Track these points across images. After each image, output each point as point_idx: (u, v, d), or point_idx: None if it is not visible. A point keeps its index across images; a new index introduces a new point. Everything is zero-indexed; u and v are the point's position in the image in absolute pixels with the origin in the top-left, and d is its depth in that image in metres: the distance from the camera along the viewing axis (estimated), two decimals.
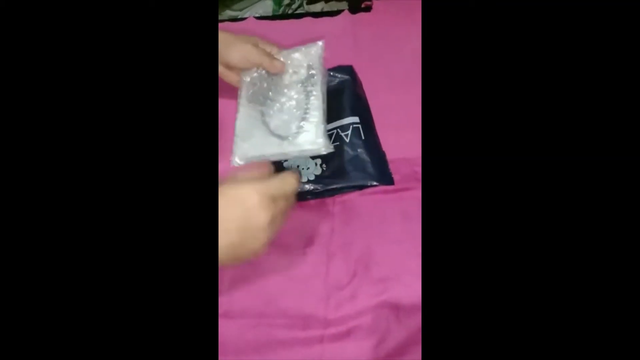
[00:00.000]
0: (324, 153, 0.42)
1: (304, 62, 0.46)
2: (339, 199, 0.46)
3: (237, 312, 0.40)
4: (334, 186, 0.45)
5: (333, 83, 0.51)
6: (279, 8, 0.70)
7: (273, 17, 0.62)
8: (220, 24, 0.49)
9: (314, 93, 0.44)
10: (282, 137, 0.42)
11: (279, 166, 0.48)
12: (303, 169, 0.47)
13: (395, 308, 0.39)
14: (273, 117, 0.44)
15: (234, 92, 0.47)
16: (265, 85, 0.45)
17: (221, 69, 0.46)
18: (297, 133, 0.42)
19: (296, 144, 0.42)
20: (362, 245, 0.42)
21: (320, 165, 0.46)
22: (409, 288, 0.39)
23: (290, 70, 0.45)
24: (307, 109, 0.43)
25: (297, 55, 0.46)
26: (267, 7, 0.69)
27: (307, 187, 0.46)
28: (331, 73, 0.51)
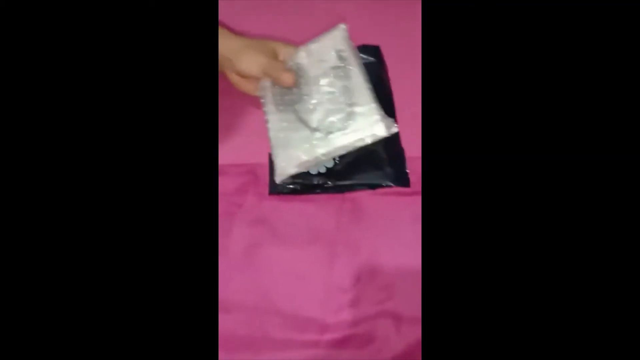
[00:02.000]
0: (388, 135, 0.38)
1: (330, 47, 0.41)
2: (349, 195, 0.42)
3: (232, 305, 0.38)
4: (346, 182, 0.42)
5: None
6: None
7: None
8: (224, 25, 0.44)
9: (352, 73, 0.39)
10: (329, 132, 0.39)
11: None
12: None
13: (397, 318, 0.38)
14: (313, 112, 0.40)
15: (250, 98, 0.43)
16: (290, 89, 0.41)
17: (235, 78, 0.42)
18: (349, 121, 0.38)
19: (351, 133, 0.38)
20: (369, 249, 0.40)
21: (333, 157, 0.43)
22: (414, 299, 0.37)
23: (315, 60, 0.40)
24: (351, 91, 0.39)
25: (317, 44, 0.42)
26: None
27: (317, 180, 0.42)
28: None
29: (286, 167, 0.40)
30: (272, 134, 0.41)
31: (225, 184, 0.42)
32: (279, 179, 0.41)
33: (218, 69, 0.42)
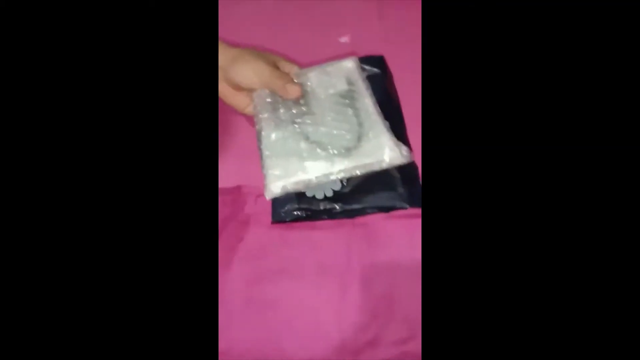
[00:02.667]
0: (400, 163, 0.35)
1: (340, 73, 0.39)
2: (359, 220, 0.38)
3: (235, 354, 0.34)
4: (356, 206, 0.38)
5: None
6: None
7: None
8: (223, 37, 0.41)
9: (362, 99, 0.38)
10: (334, 152, 0.36)
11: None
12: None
13: None
14: (320, 128, 0.37)
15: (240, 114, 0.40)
16: (294, 103, 0.38)
17: (225, 90, 0.38)
18: (359, 143, 0.36)
19: (359, 156, 0.35)
20: (385, 280, 0.36)
21: (340, 179, 0.39)
22: None
23: (323, 82, 0.38)
24: (361, 115, 0.37)
25: (328, 68, 0.40)
26: None
27: (323, 205, 0.38)
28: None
29: (280, 181, 0.36)
30: (265, 144, 0.37)
31: (223, 212, 0.38)
32: (269, 194, 0.36)
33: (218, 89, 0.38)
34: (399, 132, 0.40)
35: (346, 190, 0.39)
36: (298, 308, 0.35)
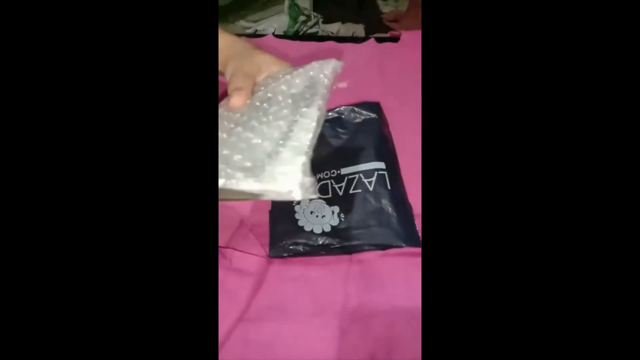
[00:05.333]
0: (299, 199, 0.27)
1: (305, 74, 0.34)
2: (356, 257, 0.39)
3: None
4: (353, 242, 0.39)
5: (357, 120, 0.45)
6: (295, 24, 0.64)
7: (294, 37, 0.56)
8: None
9: (305, 112, 0.31)
10: (247, 170, 0.28)
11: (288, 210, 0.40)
12: (317, 216, 0.40)
13: None
14: (235, 146, 0.30)
15: None
16: (260, 96, 0.34)
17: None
18: (270, 164, 0.28)
19: (263, 180, 0.27)
20: (383, 321, 0.35)
21: (339, 214, 0.40)
22: None
23: (284, 83, 0.34)
24: (291, 132, 0.30)
25: (301, 69, 0.36)
26: (282, 22, 0.63)
27: (321, 240, 0.39)
28: (356, 109, 0.46)
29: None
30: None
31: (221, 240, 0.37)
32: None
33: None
34: (393, 173, 0.42)
35: (343, 225, 0.39)
36: (295, 349, 0.34)
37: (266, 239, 0.39)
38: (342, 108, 0.46)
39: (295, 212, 0.40)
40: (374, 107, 0.46)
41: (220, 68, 0.37)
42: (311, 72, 0.35)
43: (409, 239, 0.39)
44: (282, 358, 0.33)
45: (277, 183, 0.27)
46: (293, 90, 0.33)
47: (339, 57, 0.50)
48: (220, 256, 0.37)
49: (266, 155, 0.29)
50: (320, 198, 0.41)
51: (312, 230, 0.39)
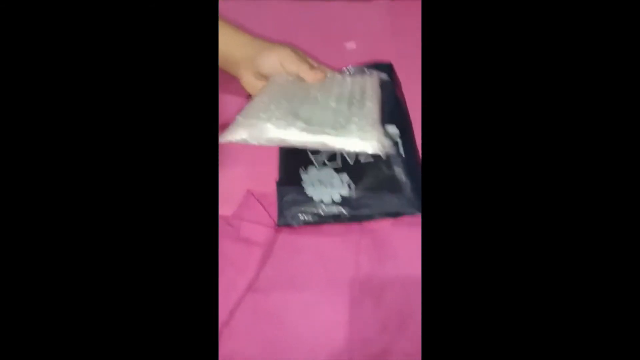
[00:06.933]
0: (378, 152, 0.31)
1: (356, 83, 0.39)
2: (367, 227, 0.37)
3: None
4: (364, 211, 0.37)
5: None
6: None
7: None
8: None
9: (368, 105, 0.35)
10: (323, 126, 0.32)
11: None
12: (326, 185, 0.38)
13: None
14: (313, 107, 0.34)
15: None
16: (303, 85, 0.37)
17: (252, 80, 0.38)
18: (343, 126, 0.32)
19: (338, 136, 0.31)
20: (395, 291, 0.34)
21: (348, 183, 0.38)
22: None
23: (337, 85, 0.38)
24: (360, 112, 0.35)
25: (348, 77, 0.40)
26: None
27: (331, 209, 0.37)
28: (366, 70, 0.43)
29: (243, 123, 0.32)
30: (258, 96, 0.35)
31: (224, 213, 0.36)
32: (226, 135, 0.32)
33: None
34: (407, 138, 0.40)
35: (354, 194, 0.37)
36: (305, 319, 0.33)
37: (274, 210, 0.38)
38: (351, 68, 0.43)
39: (303, 181, 0.39)
40: (387, 68, 0.43)
41: (235, 66, 0.38)
42: (364, 83, 0.39)
43: (421, 206, 0.37)
44: (292, 328, 0.33)
45: (353, 138, 0.32)
46: (354, 91, 0.38)
47: (347, 17, 0.47)
48: (227, 226, 0.36)
49: (348, 117, 0.33)
50: (328, 166, 0.39)
51: (321, 200, 0.37)
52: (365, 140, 0.31)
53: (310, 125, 0.32)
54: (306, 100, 0.35)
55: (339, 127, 0.32)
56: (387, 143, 0.33)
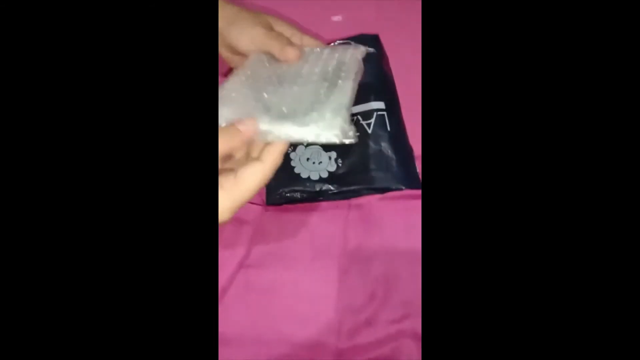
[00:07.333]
0: (343, 142, 0.28)
1: (333, 57, 0.36)
2: (354, 202, 0.38)
3: (232, 337, 0.34)
4: (352, 187, 0.38)
5: None
6: None
7: None
8: None
9: (340, 84, 0.33)
10: (283, 117, 0.30)
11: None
12: (314, 162, 0.39)
13: (419, 338, 0.34)
14: (275, 95, 0.32)
15: None
16: (273, 68, 0.35)
17: (225, 53, 0.37)
18: (307, 113, 0.29)
19: (302, 124, 0.29)
20: (382, 262, 0.36)
21: (336, 160, 0.38)
22: None
23: (311, 62, 0.35)
24: (329, 93, 0.32)
25: (327, 51, 0.36)
26: None
27: (318, 186, 0.38)
28: (352, 43, 0.42)
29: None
30: (224, 86, 0.33)
31: None
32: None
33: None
34: (393, 113, 0.40)
35: (341, 171, 0.38)
36: (295, 292, 0.35)
37: (262, 189, 0.38)
38: (337, 42, 0.42)
39: (291, 159, 0.39)
40: (373, 40, 0.42)
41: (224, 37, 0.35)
42: (344, 57, 0.36)
43: (409, 181, 0.38)
44: (283, 301, 0.34)
45: (315, 128, 0.29)
46: (328, 67, 0.35)
47: None
48: None
49: (310, 104, 0.31)
50: (316, 144, 0.39)
51: (308, 177, 0.38)
52: (325, 130, 0.28)
53: (269, 113, 0.30)
54: (271, 84, 0.33)
55: (299, 116, 0.29)
56: (351, 130, 0.29)
